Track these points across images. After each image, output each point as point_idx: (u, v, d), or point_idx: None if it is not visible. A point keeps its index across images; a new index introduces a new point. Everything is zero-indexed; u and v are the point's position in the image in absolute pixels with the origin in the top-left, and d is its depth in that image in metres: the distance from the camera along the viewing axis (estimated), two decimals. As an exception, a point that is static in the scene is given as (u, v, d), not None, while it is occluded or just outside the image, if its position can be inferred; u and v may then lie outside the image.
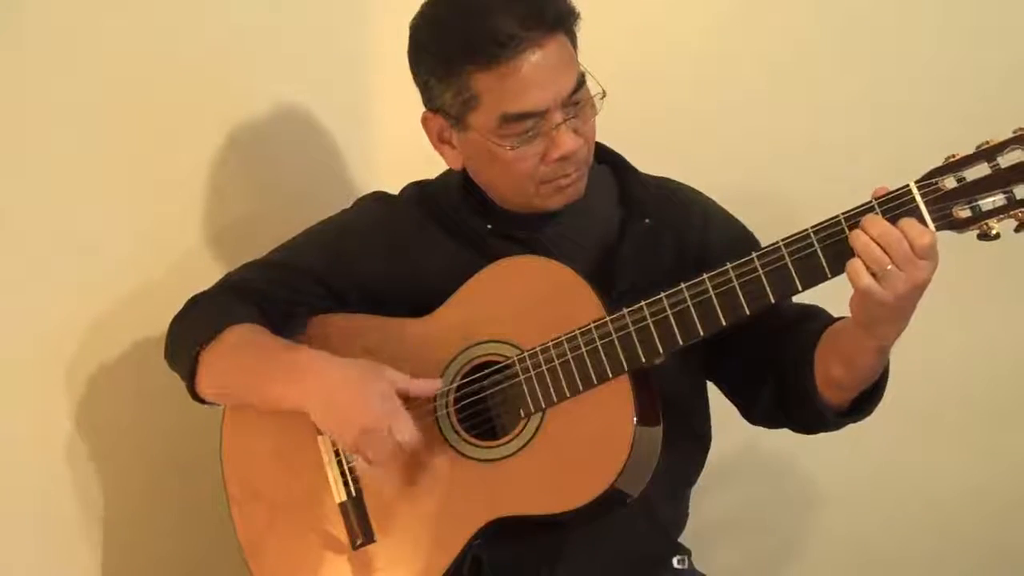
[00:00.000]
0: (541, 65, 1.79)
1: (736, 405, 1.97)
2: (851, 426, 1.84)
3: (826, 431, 1.86)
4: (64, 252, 2.17)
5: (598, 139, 1.92)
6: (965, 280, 2.15)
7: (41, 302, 2.15)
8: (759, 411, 1.92)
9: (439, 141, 1.93)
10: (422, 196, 2.04)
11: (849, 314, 1.73)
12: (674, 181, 2.03)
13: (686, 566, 2.00)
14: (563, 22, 1.83)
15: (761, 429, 1.96)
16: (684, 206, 1.99)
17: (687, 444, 1.96)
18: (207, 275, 2.09)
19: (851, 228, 1.64)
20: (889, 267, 1.61)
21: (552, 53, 1.80)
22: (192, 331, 1.98)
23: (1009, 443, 2.59)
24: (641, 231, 1.94)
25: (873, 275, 1.62)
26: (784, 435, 1.93)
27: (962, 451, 2.59)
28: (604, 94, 1.85)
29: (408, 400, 1.84)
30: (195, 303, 2.02)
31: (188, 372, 1.96)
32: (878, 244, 1.61)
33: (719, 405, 2.00)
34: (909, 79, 2.48)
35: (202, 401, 2.00)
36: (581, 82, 1.84)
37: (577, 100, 1.84)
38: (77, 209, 2.19)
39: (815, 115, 2.48)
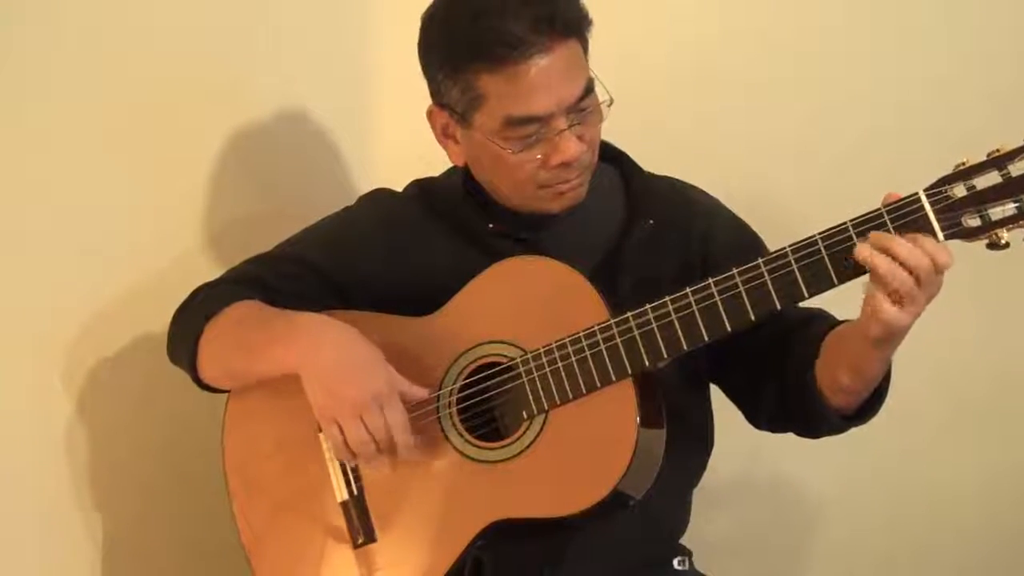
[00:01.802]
0: (548, 70, 1.78)
1: (740, 408, 1.96)
2: (853, 432, 1.84)
3: (830, 435, 1.86)
4: (65, 252, 2.17)
5: (604, 138, 1.91)
6: (965, 282, 2.15)
7: (42, 302, 2.14)
8: (763, 414, 1.92)
9: (443, 136, 1.92)
10: (424, 194, 2.03)
11: (846, 316, 1.73)
12: (680, 181, 2.02)
13: (687, 567, 1.99)
14: (575, 28, 1.82)
15: (763, 434, 1.95)
16: (689, 206, 1.98)
17: (689, 445, 1.95)
18: (208, 275, 2.08)
19: (859, 236, 1.64)
20: (911, 289, 1.61)
21: (561, 59, 1.79)
22: (194, 316, 1.97)
23: (1010, 444, 2.61)
24: (645, 231, 1.93)
25: (892, 298, 1.62)
26: (785, 439, 1.93)
27: (965, 455, 2.60)
28: (611, 101, 1.84)
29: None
30: (198, 293, 2.02)
31: (190, 354, 1.95)
32: (904, 266, 1.60)
33: (721, 411, 2.00)
34: (913, 81, 2.48)
35: (206, 387, 1.98)
36: (589, 89, 1.83)
37: (584, 107, 1.83)
38: (78, 210, 2.17)
39: (824, 121, 2.48)
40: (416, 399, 1.84)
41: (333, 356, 1.84)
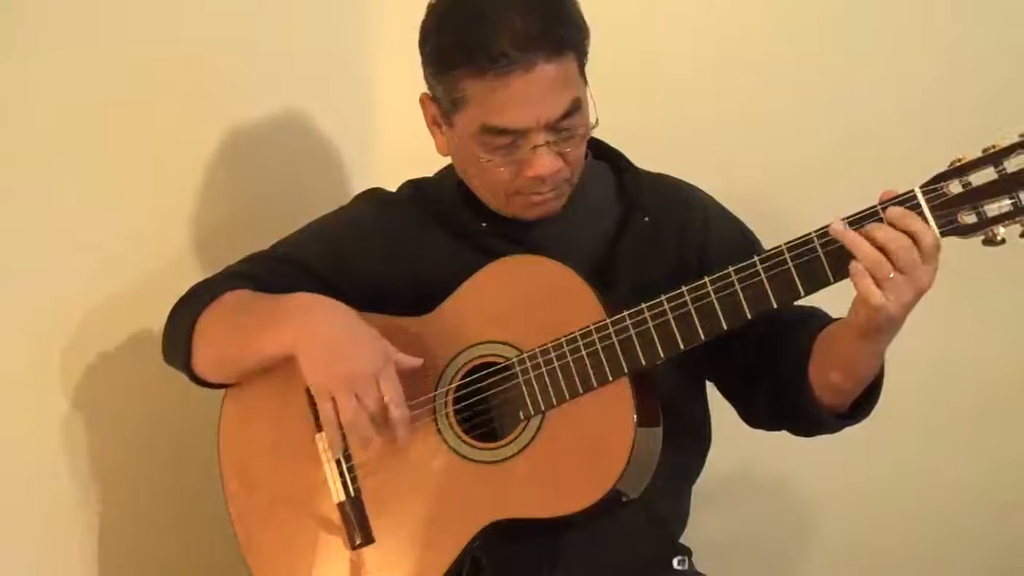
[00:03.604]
0: (532, 85, 1.77)
1: (734, 406, 1.96)
2: (851, 431, 1.83)
3: (823, 433, 1.86)
4: (63, 251, 2.15)
5: (598, 136, 1.91)
6: (963, 280, 2.15)
7: (40, 298, 2.13)
8: (757, 412, 1.91)
9: (432, 124, 1.92)
10: (419, 194, 2.03)
11: (843, 315, 1.72)
12: (674, 178, 2.02)
13: (687, 567, 1.99)
14: (568, 44, 1.79)
15: (762, 433, 1.95)
16: (684, 204, 1.98)
17: (687, 443, 1.95)
18: (206, 273, 2.08)
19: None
20: (892, 275, 1.60)
21: (546, 76, 1.77)
22: (187, 310, 1.97)
23: (1008, 445, 2.60)
24: (640, 229, 1.93)
25: (879, 285, 1.61)
26: (785, 438, 1.92)
27: (963, 455, 2.60)
28: (596, 124, 1.84)
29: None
30: (192, 291, 2.02)
31: (185, 347, 1.95)
32: (885, 251, 1.60)
33: (719, 410, 2.00)
34: (914, 82, 2.48)
35: (202, 382, 1.98)
36: (576, 107, 1.81)
37: (566, 125, 1.81)
38: (78, 208, 2.16)
39: (817, 118, 2.48)
40: (412, 368, 1.84)
41: (326, 332, 1.83)
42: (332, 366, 1.81)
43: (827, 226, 1.65)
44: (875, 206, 1.63)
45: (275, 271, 2.00)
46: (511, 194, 1.87)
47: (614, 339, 1.76)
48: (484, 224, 1.93)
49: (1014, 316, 2.55)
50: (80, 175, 2.17)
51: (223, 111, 2.31)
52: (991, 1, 2.48)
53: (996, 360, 2.57)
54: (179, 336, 1.96)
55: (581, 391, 1.78)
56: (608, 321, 1.77)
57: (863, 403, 1.80)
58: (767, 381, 1.86)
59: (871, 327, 1.67)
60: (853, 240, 1.62)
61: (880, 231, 1.61)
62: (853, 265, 1.63)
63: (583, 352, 1.77)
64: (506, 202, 1.88)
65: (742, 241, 1.94)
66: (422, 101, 1.91)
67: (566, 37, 1.80)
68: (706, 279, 1.72)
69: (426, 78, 1.87)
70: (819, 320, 1.84)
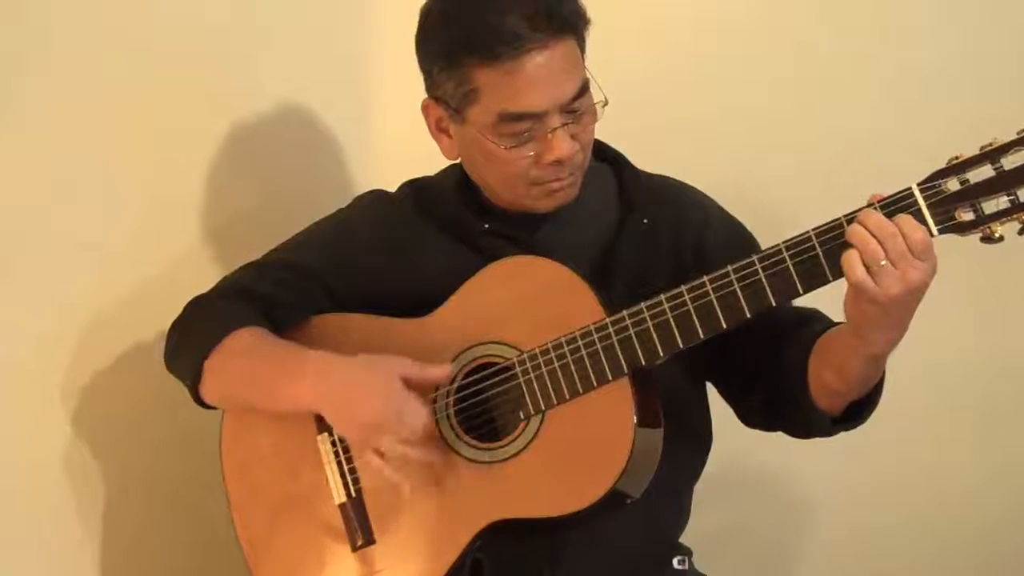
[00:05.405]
0: (544, 67, 1.78)
1: (731, 405, 1.96)
2: (854, 433, 1.83)
3: (816, 436, 1.86)
4: (65, 247, 2.16)
5: (599, 137, 1.91)
6: (966, 281, 2.15)
7: (41, 296, 2.14)
8: (753, 412, 1.91)
9: (437, 130, 1.92)
10: (419, 195, 2.02)
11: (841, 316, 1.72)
12: (674, 179, 2.01)
13: (687, 566, 1.99)
14: (572, 26, 1.81)
15: (762, 434, 1.94)
16: (684, 205, 1.97)
17: (687, 443, 1.94)
18: (206, 271, 2.10)
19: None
20: (883, 262, 1.60)
21: (557, 56, 1.79)
22: (195, 338, 1.96)
23: (1009, 443, 2.60)
24: (639, 231, 1.92)
25: (867, 269, 1.61)
26: (786, 441, 1.92)
27: (963, 456, 2.59)
28: (606, 102, 1.84)
29: (417, 389, 1.83)
30: (196, 306, 2.01)
31: (192, 379, 1.95)
32: (875, 237, 1.60)
33: (721, 409, 1.99)
34: (911, 80, 2.48)
35: (206, 406, 1.98)
36: (584, 88, 1.82)
37: (577, 107, 1.82)
38: (82, 208, 2.17)
39: (817, 117, 2.48)
40: (429, 381, 1.84)
41: (342, 389, 1.84)
42: (358, 420, 1.83)
43: (824, 224, 1.65)
44: (873, 204, 1.63)
45: (282, 282, 1.99)
46: (530, 184, 1.86)
47: (614, 339, 1.76)
48: (486, 225, 1.93)
49: (1018, 317, 2.55)
50: (80, 173, 2.17)
51: (224, 111, 2.31)
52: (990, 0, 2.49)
53: (999, 360, 2.56)
54: (188, 364, 1.96)
55: (581, 391, 1.78)
56: (608, 321, 1.76)
57: (858, 409, 1.80)
58: (765, 381, 1.85)
59: (860, 315, 1.65)
60: (852, 230, 1.62)
61: (872, 218, 1.61)
62: (847, 252, 1.62)
63: (583, 352, 1.77)
64: (525, 193, 1.88)
65: (742, 243, 1.93)
66: (424, 108, 1.91)
67: (570, 16, 1.81)
68: (705, 278, 1.72)
69: (430, 80, 1.87)
70: (820, 322, 1.84)
